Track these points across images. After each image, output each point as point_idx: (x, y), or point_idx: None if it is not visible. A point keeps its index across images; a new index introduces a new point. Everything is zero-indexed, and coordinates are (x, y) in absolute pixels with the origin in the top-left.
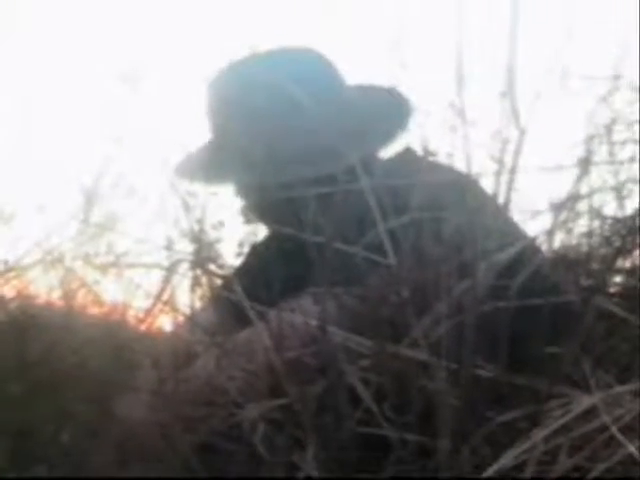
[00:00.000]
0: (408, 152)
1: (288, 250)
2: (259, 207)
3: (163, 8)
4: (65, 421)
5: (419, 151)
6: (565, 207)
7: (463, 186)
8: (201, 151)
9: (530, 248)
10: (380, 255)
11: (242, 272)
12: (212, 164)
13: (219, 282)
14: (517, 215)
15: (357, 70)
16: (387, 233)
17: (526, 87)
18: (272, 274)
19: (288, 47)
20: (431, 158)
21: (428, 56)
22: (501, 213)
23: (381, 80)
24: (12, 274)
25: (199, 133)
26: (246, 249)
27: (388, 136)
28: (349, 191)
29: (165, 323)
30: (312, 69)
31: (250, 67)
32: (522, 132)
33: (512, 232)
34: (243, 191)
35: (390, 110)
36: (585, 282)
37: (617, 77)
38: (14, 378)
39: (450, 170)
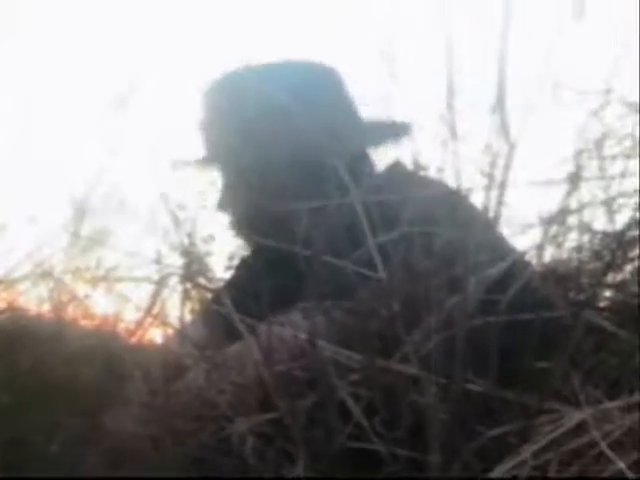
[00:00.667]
0: (398, 165)
1: (277, 263)
2: (249, 220)
3: (157, 18)
4: (55, 432)
5: (409, 165)
6: (555, 221)
7: (453, 200)
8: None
9: (520, 262)
10: (370, 269)
11: (232, 285)
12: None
13: (209, 295)
14: (507, 229)
15: (348, 82)
16: (377, 247)
17: (516, 101)
18: (261, 287)
19: (291, 60)
20: (421, 172)
21: (419, 69)
22: (491, 228)
23: (372, 92)
24: (2, 286)
25: (192, 147)
26: (236, 262)
27: (378, 137)
28: (340, 204)
29: (155, 336)
30: (308, 82)
31: (242, 78)
32: (512, 146)
33: (502, 247)
34: (233, 204)
35: (384, 122)
36: (575, 296)
37: (608, 91)
38: (4, 389)
39: (439, 184)
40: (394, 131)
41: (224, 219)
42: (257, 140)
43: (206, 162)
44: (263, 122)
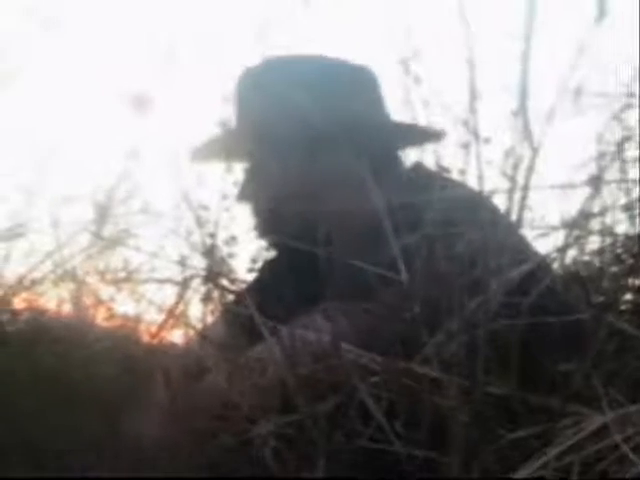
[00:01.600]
0: (420, 167)
1: (301, 266)
2: (271, 221)
3: (178, 17)
4: (75, 435)
5: (430, 167)
6: (577, 225)
7: (475, 202)
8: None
9: (542, 265)
10: (392, 271)
11: (255, 288)
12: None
13: (231, 297)
14: (529, 233)
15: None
16: (400, 249)
17: (539, 105)
18: (284, 290)
19: (322, 55)
20: (444, 174)
21: (441, 72)
22: (513, 230)
23: (395, 95)
24: (24, 287)
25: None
26: (259, 265)
27: (407, 139)
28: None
29: (177, 338)
30: (336, 77)
31: (272, 70)
32: (534, 150)
33: (524, 249)
34: (255, 206)
35: (416, 126)
36: (597, 300)
37: (630, 95)
38: (24, 390)
39: (462, 186)
40: (424, 134)
41: (247, 221)
42: (281, 136)
43: (228, 154)
44: (289, 116)
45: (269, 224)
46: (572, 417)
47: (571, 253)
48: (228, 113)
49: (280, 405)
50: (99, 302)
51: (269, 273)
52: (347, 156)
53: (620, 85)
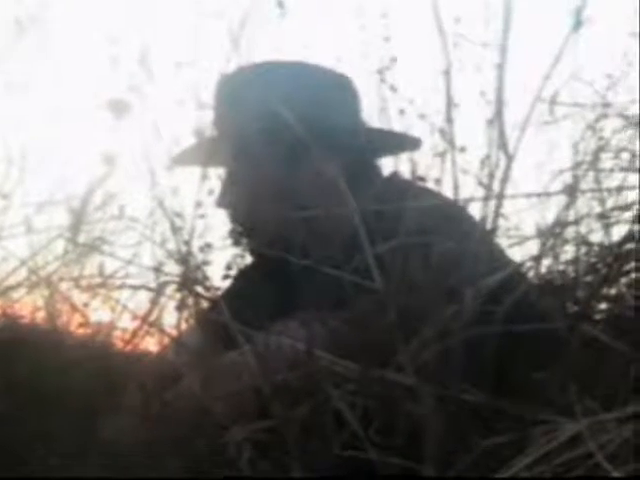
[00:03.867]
0: (395, 176)
1: (276, 274)
2: (247, 228)
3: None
4: (51, 442)
5: (406, 176)
6: (552, 234)
7: (450, 211)
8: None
9: (517, 274)
10: (367, 279)
11: (229, 295)
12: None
13: (206, 304)
14: (504, 241)
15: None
16: (374, 257)
17: (514, 114)
18: (259, 297)
19: (299, 61)
20: (419, 183)
21: (417, 81)
22: (488, 239)
23: (371, 104)
24: None
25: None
26: (233, 272)
27: (383, 146)
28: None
29: (151, 345)
30: (314, 83)
31: (250, 76)
32: (510, 158)
33: (499, 258)
34: (234, 212)
35: (392, 133)
36: (571, 309)
37: (605, 105)
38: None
39: (437, 195)
40: (400, 143)
41: (222, 228)
42: (257, 146)
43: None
44: (264, 126)
45: (245, 231)
46: (546, 425)
47: (546, 262)
48: (205, 120)
49: (254, 411)
50: (73, 309)
51: (244, 281)
52: (322, 164)
53: (595, 95)
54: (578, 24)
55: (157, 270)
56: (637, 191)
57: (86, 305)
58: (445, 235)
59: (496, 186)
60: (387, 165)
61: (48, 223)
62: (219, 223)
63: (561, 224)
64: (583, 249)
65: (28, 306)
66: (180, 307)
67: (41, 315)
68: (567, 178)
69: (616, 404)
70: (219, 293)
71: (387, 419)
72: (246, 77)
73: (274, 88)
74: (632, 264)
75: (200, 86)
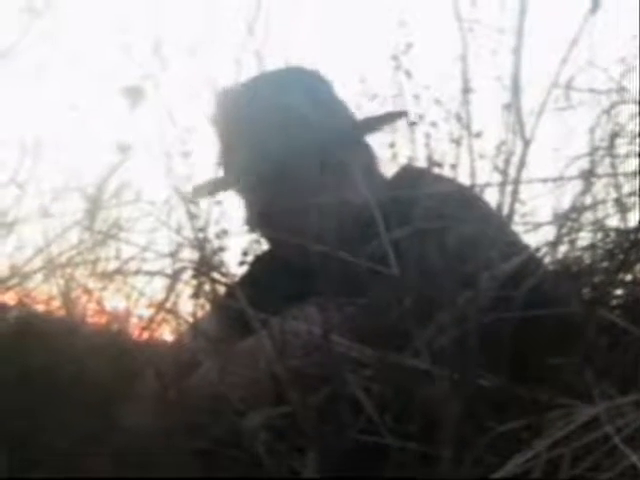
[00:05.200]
0: (409, 166)
1: (292, 260)
2: (264, 217)
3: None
4: (66, 430)
5: (419, 166)
6: (569, 219)
7: (465, 197)
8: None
9: (533, 259)
10: (384, 265)
11: (246, 281)
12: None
13: (222, 290)
14: (521, 226)
15: (362, 79)
16: (391, 243)
17: (531, 100)
18: (276, 283)
19: (285, 68)
20: (434, 170)
21: (433, 67)
22: (504, 225)
23: (386, 89)
24: (14, 282)
25: (204, 140)
26: (250, 258)
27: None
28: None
29: (167, 332)
30: (314, 88)
31: (256, 87)
32: (526, 143)
33: (515, 243)
34: (249, 201)
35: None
36: (588, 294)
37: (620, 90)
38: (14, 387)
39: (451, 182)
40: (383, 120)
41: (238, 215)
42: (266, 144)
43: (222, 182)
44: (266, 127)
45: (262, 218)
46: (563, 409)
47: (562, 248)
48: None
49: (271, 397)
50: (89, 297)
51: (261, 267)
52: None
53: (610, 81)
54: (596, 6)
55: (173, 256)
56: None
57: (102, 290)
58: (461, 221)
59: (512, 171)
60: (404, 153)
61: (63, 211)
62: (235, 209)
63: (577, 209)
64: (599, 235)
65: (44, 295)
66: (196, 293)
67: (57, 304)
68: (583, 164)
69: (633, 388)
70: (235, 279)
71: (403, 404)
72: (227, 106)
73: (255, 116)
74: None
75: (214, 73)
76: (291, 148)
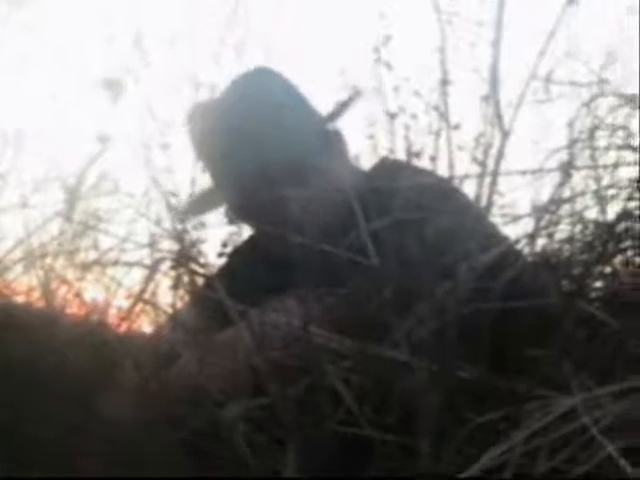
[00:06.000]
0: (386, 160)
1: (271, 252)
2: (244, 209)
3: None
4: (47, 421)
5: (397, 158)
6: (547, 210)
7: (444, 189)
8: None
9: (512, 251)
10: (363, 256)
11: (225, 273)
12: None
13: (201, 282)
14: (499, 218)
15: (342, 71)
16: (370, 235)
17: (509, 92)
18: (255, 275)
19: (250, 71)
20: (412, 163)
21: (412, 59)
22: (482, 217)
23: (366, 81)
24: None
25: (181, 131)
26: (228, 249)
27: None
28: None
29: (146, 323)
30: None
31: (228, 98)
32: (505, 135)
33: (493, 235)
34: (228, 193)
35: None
36: (566, 286)
37: (601, 83)
38: None
39: (430, 174)
40: (341, 109)
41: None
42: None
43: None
44: (243, 136)
45: (241, 211)
46: (541, 400)
47: (541, 241)
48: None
49: (250, 389)
50: (69, 288)
51: (239, 259)
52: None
53: (590, 73)
54: None
55: (152, 247)
56: (633, 168)
57: (81, 281)
58: (439, 212)
59: (491, 163)
60: (384, 147)
61: (44, 202)
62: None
63: (556, 202)
64: (578, 227)
65: (24, 286)
66: (175, 285)
67: (36, 295)
68: (562, 156)
69: (610, 380)
70: (214, 271)
71: (382, 396)
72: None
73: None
74: (628, 242)
75: (194, 66)
76: (269, 153)
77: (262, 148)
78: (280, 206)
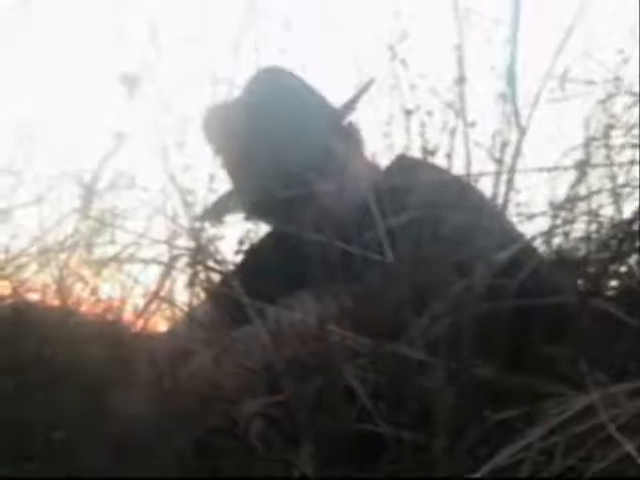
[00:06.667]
0: (403, 157)
1: (288, 249)
2: (261, 206)
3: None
4: (60, 418)
5: (414, 155)
6: (564, 208)
7: (461, 186)
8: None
9: (528, 249)
10: (380, 254)
11: (241, 270)
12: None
13: (218, 279)
14: (515, 216)
15: (358, 69)
16: (387, 232)
17: (526, 89)
18: (272, 272)
19: (264, 71)
20: (429, 161)
21: (429, 56)
22: (499, 214)
23: (382, 79)
24: (9, 270)
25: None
26: (245, 247)
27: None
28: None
29: (162, 319)
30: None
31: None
32: (522, 132)
33: (510, 233)
34: (245, 191)
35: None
36: (582, 285)
37: (616, 81)
38: (8, 375)
39: (446, 172)
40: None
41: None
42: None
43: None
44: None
45: (259, 207)
46: (557, 398)
47: (557, 240)
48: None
49: (266, 386)
50: (84, 285)
51: (256, 255)
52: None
53: (606, 72)
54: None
55: (169, 244)
56: None
57: (97, 277)
58: (456, 209)
59: (508, 160)
60: (399, 145)
61: (59, 198)
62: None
63: (572, 199)
64: (594, 225)
65: (39, 284)
66: (192, 282)
67: (52, 292)
68: (578, 155)
69: (627, 377)
70: (231, 268)
71: (398, 393)
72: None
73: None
74: None
75: (212, 60)
76: (287, 151)
77: (281, 146)
78: (299, 203)
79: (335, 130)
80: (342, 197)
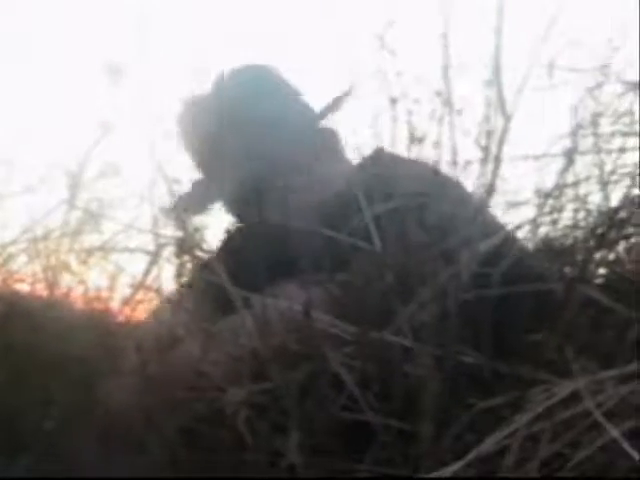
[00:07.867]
0: (381, 151)
1: (273, 236)
2: (243, 199)
3: None
4: (49, 407)
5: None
6: (551, 196)
7: (441, 178)
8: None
9: (513, 237)
10: (366, 242)
11: (225, 254)
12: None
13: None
14: (502, 204)
15: (344, 57)
16: (372, 220)
17: (512, 77)
18: (251, 263)
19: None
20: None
21: (415, 44)
22: (480, 206)
23: (368, 67)
24: None
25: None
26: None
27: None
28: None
29: (149, 309)
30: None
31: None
32: (508, 119)
33: (493, 223)
34: (221, 188)
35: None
36: (569, 272)
37: (604, 68)
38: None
39: (425, 165)
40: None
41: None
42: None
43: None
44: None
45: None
46: (543, 385)
47: (544, 228)
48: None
49: (252, 374)
50: (72, 275)
51: (240, 240)
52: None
53: (594, 60)
54: None
55: (155, 233)
56: (636, 154)
57: (84, 266)
58: (438, 199)
59: (494, 148)
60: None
61: (48, 190)
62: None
63: (560, 187)
64: (581, 213)
65: (27, 275)
66: (178, 270)
67: (41, 284)
68: (566, 143)
69: (613, 364)
70: (215, 250)
71: (385, 381)
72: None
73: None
74: (631, 228)
75: (197, 50)
76: (260, 148)
77: (253, 144)
78: (272, 196)
79: (309, 132)
80: (314, 189)
